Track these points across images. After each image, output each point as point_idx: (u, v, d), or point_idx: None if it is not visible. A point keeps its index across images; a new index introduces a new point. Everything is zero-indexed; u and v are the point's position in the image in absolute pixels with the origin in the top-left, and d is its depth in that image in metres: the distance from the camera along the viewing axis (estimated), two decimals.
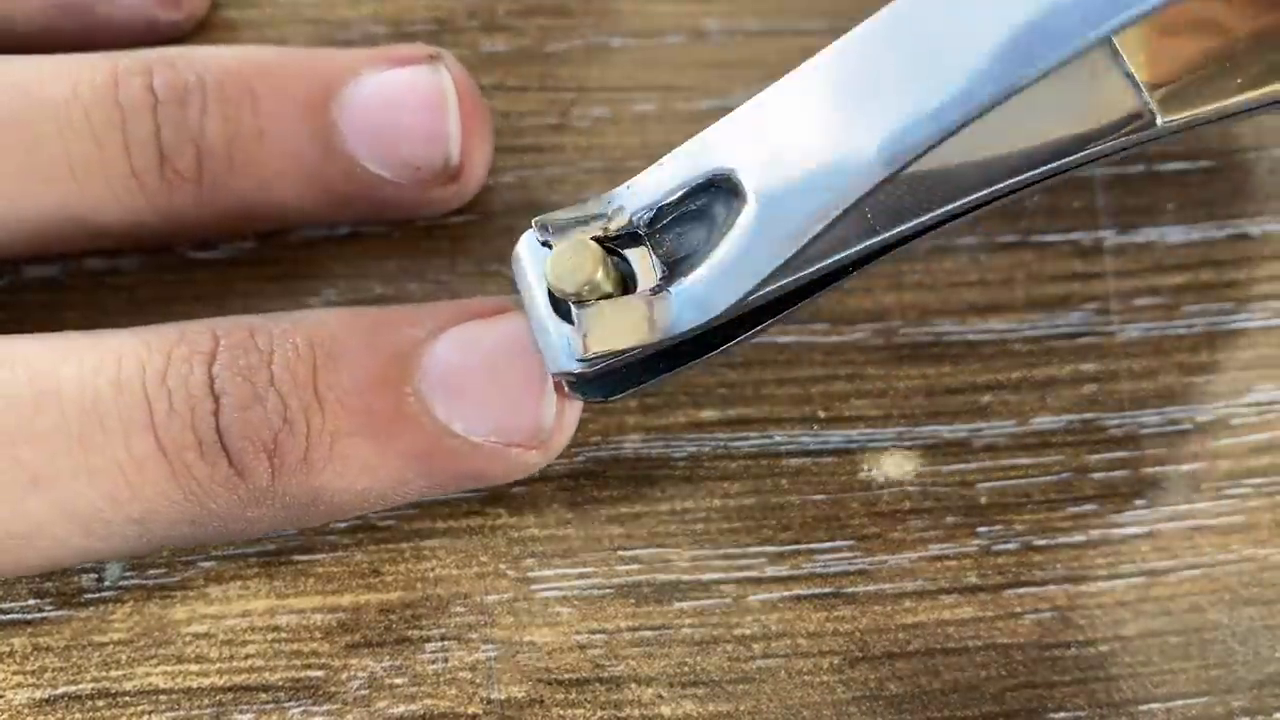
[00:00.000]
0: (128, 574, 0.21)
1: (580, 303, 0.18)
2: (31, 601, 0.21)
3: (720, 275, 0.18)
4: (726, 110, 0.24)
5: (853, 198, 0.17)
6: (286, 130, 0.20)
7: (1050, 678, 0.21)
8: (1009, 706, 0.21)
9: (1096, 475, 0.22)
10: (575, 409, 0.20)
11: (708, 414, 0.23)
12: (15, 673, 0.21)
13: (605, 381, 0.19)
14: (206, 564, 0.21)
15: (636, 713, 0.21)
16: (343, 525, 0.22)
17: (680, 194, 0.19)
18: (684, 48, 0.25)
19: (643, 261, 0.19)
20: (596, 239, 0.19)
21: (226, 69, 0.20)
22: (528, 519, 0.22)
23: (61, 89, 0.20)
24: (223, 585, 0.21)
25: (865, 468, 0.22)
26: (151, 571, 0.21)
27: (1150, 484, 0.22)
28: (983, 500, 0.22)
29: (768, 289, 0.18)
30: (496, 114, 0.24)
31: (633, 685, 0.21)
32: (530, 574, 0.22)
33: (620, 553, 0.22)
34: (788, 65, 0.24)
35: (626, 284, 0.19)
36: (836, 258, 0.19)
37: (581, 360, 0.18)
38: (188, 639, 0.21)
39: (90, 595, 0.21)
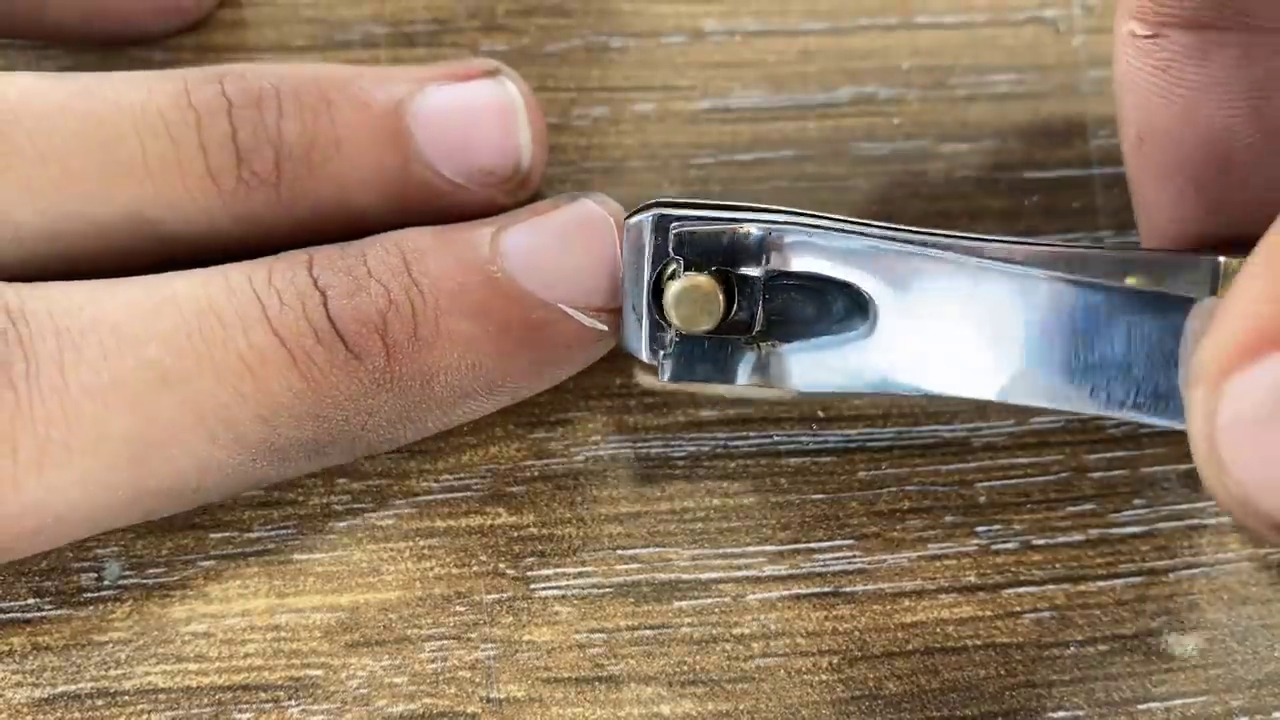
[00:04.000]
0: (127, 573, 0.21)
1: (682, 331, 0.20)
2: (31, 601, 0.21)
3: (817, 367, 0.20)
4: (726, 110, 0.24)
5: (959, 396, 0.19)
6: (364, 137, 0.21)
7: (1049, 677, 0.21)
8: (1008, 705, 0.21)
9: (1095, 474, 0.23)
10: None
11: (707, 413, 0.23)
12: (14, 672, 0.21)
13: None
14: (206, 563, 0.21)
15: (636, 711, 0.21)
16: (342, 525, 0.22)
17: (818, 274, 0.20)
18: (684, 48, 0.25)
19: (749, 302, 0.20)
20: (720, 270, 0.20)
21: (299, 77, 0.21)
22: (527, 518, 0.22)
23: (135, 93, 0.20)
24: (222, 584, 0.21)
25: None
26: (151, 571, 0.21)
27: (1149, 483, 0.23)
28: (982, 499, 0.22)
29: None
30: None
31: (632, 684, 0.21)
32: (529, 573, 0.22)
33: (620, 552, 0.22)
34: (787, 66, 0.24)
35: (728, 311, 0.20)
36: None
37: (654, 365, 0.20)
38: (187, 638, 0.21)
39: (89, 594, 0.21)
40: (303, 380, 0.19)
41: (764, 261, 0.19)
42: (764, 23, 0.25)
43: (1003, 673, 0.21)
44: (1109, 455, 0.23)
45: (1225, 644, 0.22)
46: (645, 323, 0.20)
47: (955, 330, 0.19)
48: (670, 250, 0.20)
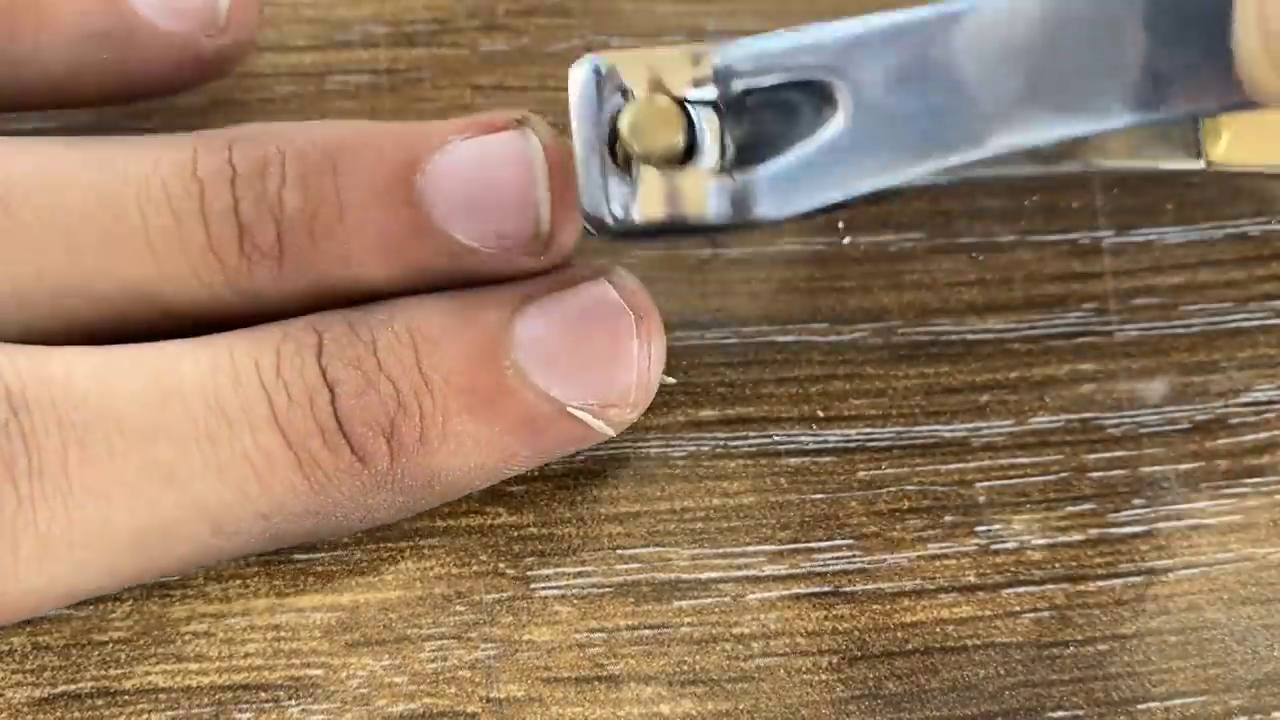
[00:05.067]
0: None
1: (646, 162, 0.18)
2: None
3: (804, 178, 0.18)
4: None
5: (948, 163, 0.18)
6: (370, 202, 0.20)
7: (1048, 676, 0.21)
8: (1007, 705, 0.21)
9: (1095, 474, 0.23)
10: (658, 365, 0.20)
11: (706, 413, 0.23)
12: (14, 671, 0.21)
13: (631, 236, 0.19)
14: None
15: (636, 711, 0.21)
16: None
17: (774, 83, 0.18)
18: None
19: (712, 131, 0.18)
20: (677, 99, 0.18)
21: (309, 139, 0.20)
22: (527, 518, 0.22)
23: (143, 164, 0.20)
24: (222, 584, 0.21)
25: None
26: None
27: (1148, 483, 0.23)
28: (981, 499, 0.22)
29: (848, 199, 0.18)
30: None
31: (632, 684, 0.21)
32: (529, 573, 0.22)
33: (619, 551, 0.22)
34: None
35: (692, 148, 0.18)
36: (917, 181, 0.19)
37: (625, 219, 0.18)
38: (187, 638, 0.21)
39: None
40: (306, 482, 0.19)
41: (714, 80, 0.18)
42: (764, 22, 0.25)
43: (1002, 672, 0.21)
44: (1108, 455, 0.23)
45: (1225, 644, 0.22)
46: (603, 167, 0.18)
47: (931, 88, 0.18)
48: (616, 88, 0.18)
